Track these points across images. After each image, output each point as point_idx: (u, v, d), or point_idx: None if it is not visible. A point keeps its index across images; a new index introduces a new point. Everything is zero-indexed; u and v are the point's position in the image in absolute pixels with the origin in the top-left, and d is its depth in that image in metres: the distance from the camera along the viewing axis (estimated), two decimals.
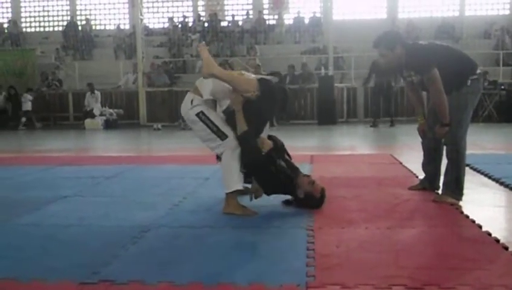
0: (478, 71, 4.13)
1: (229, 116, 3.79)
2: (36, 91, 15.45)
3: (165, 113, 14.52)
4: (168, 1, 19.64)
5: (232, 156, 3.73)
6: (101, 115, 14.10)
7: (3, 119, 14.78)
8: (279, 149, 4.05)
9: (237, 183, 3.77)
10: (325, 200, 3.98)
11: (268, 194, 4.01)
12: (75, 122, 14.69)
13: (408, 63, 4.15)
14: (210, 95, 3.77)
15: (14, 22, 19.48)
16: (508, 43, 16.49)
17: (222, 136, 3.73)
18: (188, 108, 3.80)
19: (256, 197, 4.02)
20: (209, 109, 3.79)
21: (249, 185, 4.06)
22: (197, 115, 3.76)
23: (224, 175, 3.80)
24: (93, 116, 14.05)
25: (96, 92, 14.40)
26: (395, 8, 18.47)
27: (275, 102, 3.84)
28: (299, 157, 6.40)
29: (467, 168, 4.34)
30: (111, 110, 14.29)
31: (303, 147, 8.46)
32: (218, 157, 4.00)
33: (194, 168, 6.02)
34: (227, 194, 3.82)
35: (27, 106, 14.62)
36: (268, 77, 4.00)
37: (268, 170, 3.86)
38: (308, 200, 3.92)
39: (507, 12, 18.22)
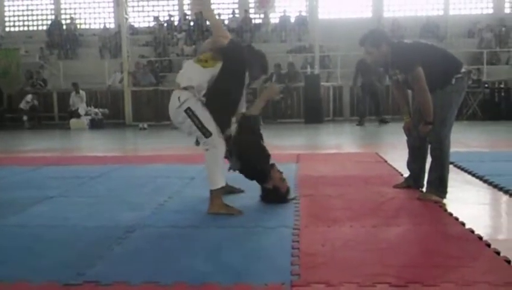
0: (463, 70, 4.16)
1: (209, 98, 3.81)
2: (20, 91, 15.32)
3: (150, 112, 14.47)
4: (153, 0, 19.57)
5: (216, 153, 3.73)
6: (87, 114, 14.01)
7: None
8: (257, 133, 4.11)
9: (221, 180, 3.78)
10: (288, 200, 4.11)
11: (246, 175, 4.10)
12: (61, 122, 14.57)
13: (393, 62, 4.19)
14: (187, 83, 3.79)
15: None
16: (491, 41, 16.65)
17: (206, 133, 3.73)
18: (176, 106, 3.79)
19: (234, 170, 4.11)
20: (197, 103, 3.78)
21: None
22: (185, 111, 3.76)
23: (208, 173, 3.80)
24: (78, 116, 13.95)
25: (81, 91, 14.30)
26: (381, 7, 18.59)
27: (246, 63, 3.88)
28: (285, 156, 6.43)
29: (451, 166, 4.38)
30: (96, 110, 14.19)
31: (289, 146, 8.49)
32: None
33: (180, 167, 6.00)
34: (211, 192, 3.81)
35: (25, 105, 14.55)
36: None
37: (261, 155, 3.99)
38: (274, 193, 4.05)
39: (490, 11, 18.43)
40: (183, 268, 2.70)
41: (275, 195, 4.07)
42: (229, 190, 4.24)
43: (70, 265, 2.77)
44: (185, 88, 3.77)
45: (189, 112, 3.74)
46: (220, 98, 3.78)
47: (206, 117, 3.75)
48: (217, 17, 3.89)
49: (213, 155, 3.74)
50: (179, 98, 3.79)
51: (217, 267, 2.70)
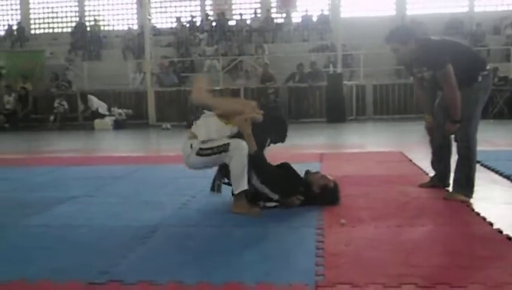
0: (488, 67, 4.10)
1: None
2: (45, 92, 15.55)
3: (173, 112, 14.52)
4: (175, 1, 19.68)
5: (240, 158, 3.69)
6: (110, 115, 14.15)
7: (14, 120, 14.85)
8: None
9: (245, 183, 3.75)
10: (339, 194, 4.02)
11: (283, 196, 3.95)
12: (85, 123, 14.73)
13: (421, 59, 4.12)
14: (206, 136, 3.78)
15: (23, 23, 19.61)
16: None
17: (225, 148, 3.71)
18: (188, 153, 3.82)
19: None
20: (206, 142, 3.79)
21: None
22: (198, 153, 3.77)
23: (233, 177, 3.76)
24: (102, 116, 14.10)
25: (90, 97, 14.45)
26: (404, 5, 18.38)
27: (276, 127, 3.90)
28: (308, 155, 6.40)
29: (477, 165, 4.30)
30: (120, 111, 14.32)
31: (312, 145, 8.44)
32: (213, 189, 3.99)
33: None
34: (235, 195, 3.80)
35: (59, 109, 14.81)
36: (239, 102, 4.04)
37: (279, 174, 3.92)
38: (326, 193, 3.96)
39: None
40: (207, 267, 2.69)
41: (328, 194, 3.97)
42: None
43: (94, 264, 2.78)
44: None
45: (202, 152, 3.76)
46: None
47: (216, 141, 3.75)
48: (221, 100, 3.89)
49: (238, 159, 3.69)
50: (191, 145, 3.81)
51: (240, 267, 2.68)
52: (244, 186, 3.74)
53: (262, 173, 3.83)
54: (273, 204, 3.94)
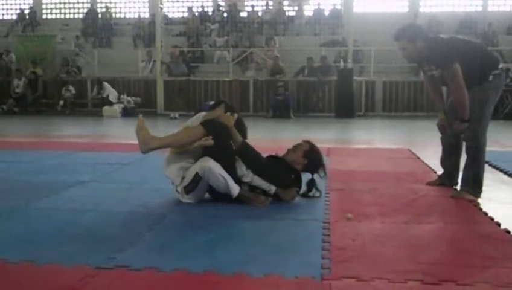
0: (500, 66, 4.07)
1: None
2: (55, 77, 15.62)
3: (182, 102, 14.54)
4: None
5: (214, 175, 3.64)
6: (119, 102, 14.19)
7: (23, 104, 14.91)
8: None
9: (235, 186, 3.72)
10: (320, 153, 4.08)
11: (279, 186, 3.92)
12: (94, 109, 14.78)
13: (430, 57, 4.09)
14: (178, 179, 3.82)
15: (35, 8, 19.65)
16: None
17: (197, 177, 3.69)
18: (181, 197, 3.83)
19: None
20: (182, 181, 3.80)
21: None
22: (186, 192, 3.78)
23: (222, 191, 3.73)
24: (110, 103, 14.14)
25: (105, 84, 14.52)
26: (417, 2, 18.27)
27: (228, 137, 3.79)
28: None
29: (486, 166, 4.28)
30: (129, 98, 14.36)
31: (320, 139, 8.39)
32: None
33: None
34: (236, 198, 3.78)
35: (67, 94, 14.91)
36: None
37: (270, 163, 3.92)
38: (308, 159, 3.99)
39: None
40: (213, 257, 2.70)
41: (310, 161, 3.99)
42: None
43: (102, 249, 2.79)
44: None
45: (187, 189, 3.78)
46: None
47: (187, 176, 3.76)
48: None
49: (213, 177, 3.65)
50: (177, 190, 3.84)
51: (247, 258, 2.69)
52: (237, 188, 3.72)
53: (254, 163, 3.82)
54: (271, 199, 3.89)
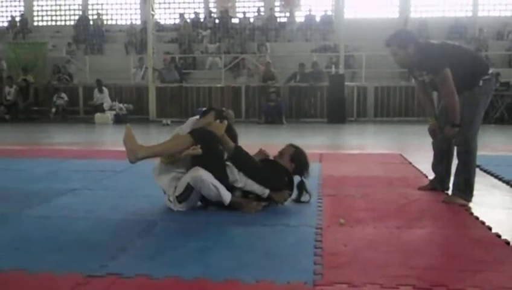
0: (490, 71, 4.10)
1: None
2: (46, 85, 15.57)
3: (174, 109, 14.53)
4: None
5: (205, 185, 3.63)
6: (111, 109, 14.15)
7: (14, 112, 14.85)
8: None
9: (227, 194, 3.72)
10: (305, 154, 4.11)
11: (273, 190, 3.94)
12: (86, 116, 14.73)
13: (420, 63, 4.12)
14: (171, 190, 3.79)
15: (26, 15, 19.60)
16: None
17: (189, 188, 3.68)
18: (173, 206, 3.81)
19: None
20: (175, 191, 3.79)
21: None
22: (179, 201, 3.76)
23: (213, 199, 3.74)
24: (103, 110, 14.10)
25: (104, 88, 14.48)
26: (408, 8, 18.38)
27: (216, 145, 3.79)
28: (308, 155, 6.37)
29: (477, 170, 4.31)
30: (121, 105, 14.33)
31: (312, 145, 8.42)
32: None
33: None
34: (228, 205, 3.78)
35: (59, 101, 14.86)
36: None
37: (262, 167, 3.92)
38: (295, 162, 4.03)
39: None
40: (205, 264, 2.70)
41: (297, 163, 4.03)
42: None
43: (93, 257, 2.78)
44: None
45: (179, 199, 3.77)
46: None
47: (179, 186, 3.75)
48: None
49: (204, 186, 3.64)
50: (169, 199, 3.82)
51: (238, 264, 2.69)
52: (228, 195, 3.72)
53: (248, 167, 3.82)
54: (264, 203, 3.88)
